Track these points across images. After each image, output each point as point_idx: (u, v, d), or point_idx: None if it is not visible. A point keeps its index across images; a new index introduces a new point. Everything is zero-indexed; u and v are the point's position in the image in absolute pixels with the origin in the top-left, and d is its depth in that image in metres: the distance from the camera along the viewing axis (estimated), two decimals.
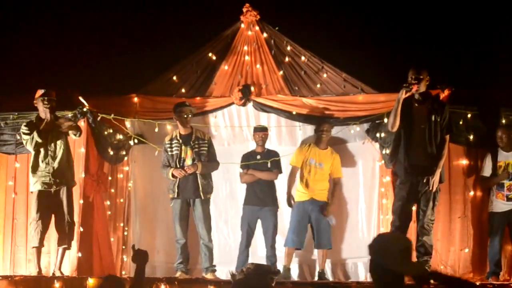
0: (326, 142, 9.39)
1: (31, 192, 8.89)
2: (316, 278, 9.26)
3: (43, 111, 8.76)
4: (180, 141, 9.05)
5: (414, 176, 8.13)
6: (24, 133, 8.77)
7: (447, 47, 11.71)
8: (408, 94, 8.03)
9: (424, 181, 8.00)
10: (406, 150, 8.18)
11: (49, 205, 8.76)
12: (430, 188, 7.99)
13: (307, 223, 9.22)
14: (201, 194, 8.98)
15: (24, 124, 8.87)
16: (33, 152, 8.80)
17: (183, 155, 9.02)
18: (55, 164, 8.74)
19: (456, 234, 8.95)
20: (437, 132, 8.05)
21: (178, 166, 8.99)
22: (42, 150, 8.75)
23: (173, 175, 8.97)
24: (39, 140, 8.66)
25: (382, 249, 3.96)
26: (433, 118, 8.04)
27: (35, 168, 8.76)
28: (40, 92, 8.78)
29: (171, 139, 9.11)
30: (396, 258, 3.89)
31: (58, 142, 8.80)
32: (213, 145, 9.22)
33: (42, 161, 8.74)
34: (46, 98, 8.73)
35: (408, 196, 8.17)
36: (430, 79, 8.22)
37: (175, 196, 9.02)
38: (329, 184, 9.40)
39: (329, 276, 9.76)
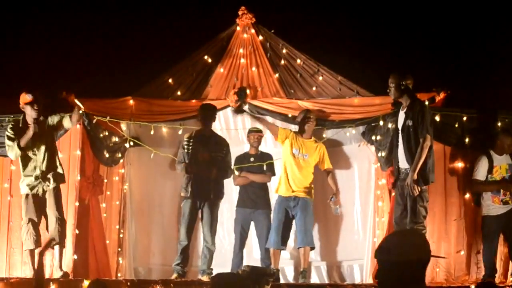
0: (310, 132, 9.26)
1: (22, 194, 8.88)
2: (299, 277, 9.19)
3: (31, 116, 8.66)
4: (200, 140, 9.07)
5: (401, 181, 8.22)
6: (8, 138, 8.71)
7: (443, 49, 11.73)
8: None
9: (406, 185, 8.04)
10: (393, 158, 8.34)
11: (39, 207, 8.74)
12: (411, 193, 8.01)
13: (290, 222, 9.15)
14: (213, 198, 9.00)
15: (10, 126, 8.80)
16: (15, 159, 8.81)
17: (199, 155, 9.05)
18: (43, 167, 8.71)
19: (451, 237, 8.95)
20: (413, 135, 8.06)
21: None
22: (29, 153, 8.72)
23: (187, 171, 8.96)
24: (18, 152, 8.64)
25: (391, 249, 3.67)
26: (407, 122, 8.09)
27: (24, 170, 8.75)
28: (27, 98, 8.62)
29: (190, 137, 9.13)
30: (404, 253, 3.63)
31: (44, 144, 8.73)
32: (230, 153, 9.26)
33: (30, 164, 8.72)
34: (35, 104, 8.63)
35: (400, 201, 8.26)
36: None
37: (188, 195, 9.00)
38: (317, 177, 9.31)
39: (325, 278, 9.78)
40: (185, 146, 9.11)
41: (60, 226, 8.74)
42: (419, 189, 8.04)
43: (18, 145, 8.62)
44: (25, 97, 8.65)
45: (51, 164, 8.79)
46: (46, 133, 8.80)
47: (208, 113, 9.14)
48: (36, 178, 8.70)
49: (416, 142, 8.05)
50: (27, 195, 8.75)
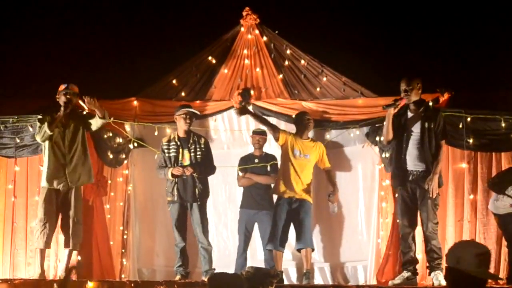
0: (308, 132, 9.13)
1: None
2: (303, 279, 9.16)
3: (61, 104, 8.70)
4: (178, 143, 9.03)
5: (409, 183, 8.18)
6: (39, 120, 8.72)
7: (446, 50, 11.71)
8: (397, 110, 8.15)
9: (426, 187, 8.02)
10: (399, 158, 8.24)
11: (57, 205, 8.72)
12: (430, 194, 8.01)
13: (290, 223, 9.08)
14: (198, 199, 8.96)
15: (42, 113, 8.81)
16: (42, 144, 8.78)
17: (180, 157, 8.99)
18: (71, 162, 8.70)
19: (455, 238, 8.93)
20: (432, 139, 8.08)
21: (175, 167, 8.97)
22: (58, 144, 8.71)
23: (172, 175, 8.94)
24: (48, 132, 8.59)
25: (458, 254, 3.95)
26: (426, 125, 8.09)
27: (50, 160, 8.70)
28: (62, 86, 8.73)
29: (169, 141, 9.08)
30: (472, 264, 3.86)
31: (76, 138, 8.75)
32: (210, 149, 9.18)
33: (58, 155, 8.70)
34: (67, 92, 8.69)
35: (410, 203, 8.21)
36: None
37: (174, 199, 9.00)
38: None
39: (329, 279, 9.77)
40: (165, 151, 9.07)
41: (76, 230, 8.73)
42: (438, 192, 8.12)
43: (49, 126, 8.58)
44: (61, 86, 8.75)
45: (81, 161, 8.78)
46: (79, 129, 8.80)
47: (183, 112, 9.08)
48: (61, 173, 8.68)
49: (437, 145, 8.09)
50: (49, 191, 8.71)
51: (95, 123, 8.80)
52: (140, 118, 9.73)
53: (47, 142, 8.71)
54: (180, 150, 8.99)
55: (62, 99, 8.70)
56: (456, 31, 11.69)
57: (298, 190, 8.86)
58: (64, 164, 8.70)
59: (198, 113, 9.27)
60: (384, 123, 8.27)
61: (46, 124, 8.60)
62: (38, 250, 8.79)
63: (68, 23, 12.08)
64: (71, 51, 11.92)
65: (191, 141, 9.02)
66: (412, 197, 8.18)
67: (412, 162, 8.15)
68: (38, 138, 8.75)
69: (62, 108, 8.66)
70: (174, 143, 9.03)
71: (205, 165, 9.03)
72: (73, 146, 8.75)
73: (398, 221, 8.45)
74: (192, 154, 8.97)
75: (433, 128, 8.09)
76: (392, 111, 8.15)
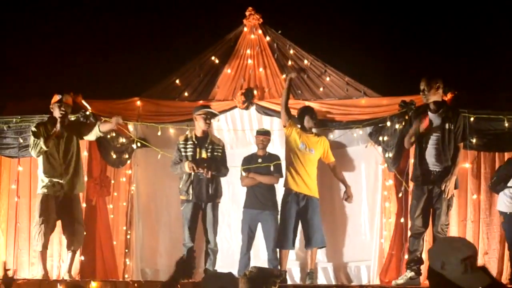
0: (311, 128, 9.13)
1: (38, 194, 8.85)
2: (306, 278, 9.15)
3: (57, 116, 8.71)
4: (196, 142, 9.02)
5: (428, 183, 8.21)
6: (34, 134, 8.70)
7: (449, 50, 11.71)
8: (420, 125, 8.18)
9: (443, 188, 8.05)
10: (419, 158, 8.27)
11: (55, 210, 8.72)
12: (446, 195, 8.05)
13: (298, 222, 9.03)
14: (213, 198, 8.95)
15: (35, 125, 8.82)
16: (36, 157, 8.79)
17: (197, 156, 8.97)
18: (68, 171, 8.71)
19: None
20: (451, 140, 8.13)
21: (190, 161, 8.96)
22: (53, 156, 8.72)
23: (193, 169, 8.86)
24: (44, 148, 8.60)
25: (443, 258, 3.50)
26: (447, 126, 8.13)
27: (46, 171, 8.73)
28: (57, 97, 8.74)
29: (186, 139, 9.05)
30: (458, 270, 3.47)
31: (71, 148, 8.76)
32: (225, 152, 9.20)
33: (54, 166, 8.71)
34: (62, 104, 8.70)
35: (424, 202, 8.23)
36: (444, 86, 8.29)
37: (189, 198, 8.97)
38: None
39: (332, 279, 9.76)
40: (182, 149, 9.04)
41: (77, 232, 8.75)
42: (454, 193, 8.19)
43: (45, 142, 8.59)
44: (55, 97, 8.74)
45: (77, 171, 8.80)
46: (73, 139, 8.82)
47: (203, 112, 9.06)
48: (59, 181, 8.69)
49: (455, 147, 8.15)
50: (46, 196, 8.72)
51: (92, 135, 8.88)
52: (143, 118, 9.72)
53: None
54: (198, 149, 8.96)
55: (56, 113, 8.73)
56: (459, 31, 11.70)
57: (307, 183, 8.88)
58: (60, 175, 8.71)
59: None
60: (410, 133, 8.32)
61: (41, 139, 8.60)
62: (39, 253, 8.80)
63: (71, 23, 12.11)
64: (74, 51, 11.95)
65: (208, 141, 9.00)
66: (427, 197, 8.21)
67: (431, 163, 8.19)
68: (34, 154, 8.75)
69: (58, 124, 8.67)
70: (191, 142, 9.01)
71: (221, 163, 9.03)
72: (68, 156, 8.78)
73: (402, 220, 8.44)
74: (209, 153, 8.95)
75: (453, 129, 8.13)
76: (417, 124, 8.16)
